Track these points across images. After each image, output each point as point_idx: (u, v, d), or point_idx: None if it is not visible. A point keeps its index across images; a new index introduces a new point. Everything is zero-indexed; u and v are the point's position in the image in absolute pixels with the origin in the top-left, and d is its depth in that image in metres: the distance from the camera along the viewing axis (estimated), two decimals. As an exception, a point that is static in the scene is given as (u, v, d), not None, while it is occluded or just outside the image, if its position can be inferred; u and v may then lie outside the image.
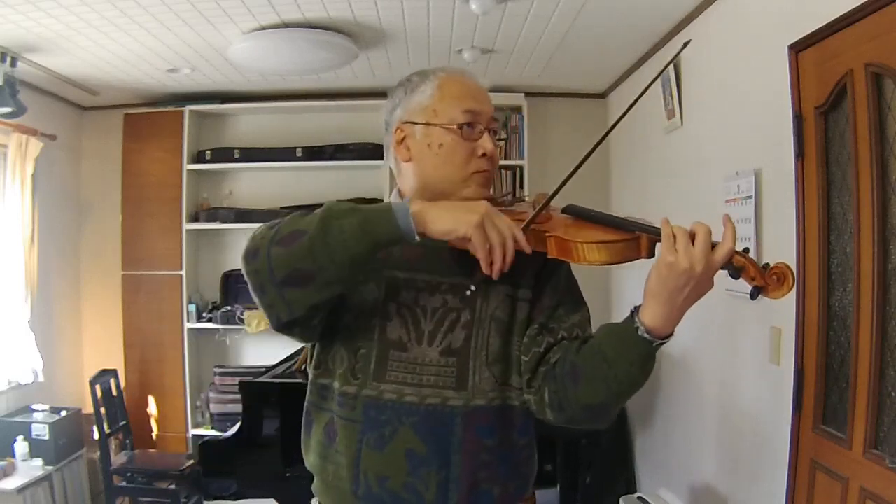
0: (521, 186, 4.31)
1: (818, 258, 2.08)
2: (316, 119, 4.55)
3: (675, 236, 1.05)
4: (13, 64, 3.38)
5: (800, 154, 2.16)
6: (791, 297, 2.18)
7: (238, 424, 3.55)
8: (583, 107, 4.56)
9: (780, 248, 2.28)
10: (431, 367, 1.21)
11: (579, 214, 1.23)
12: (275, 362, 3.68)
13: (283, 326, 1.18)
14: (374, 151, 4.33)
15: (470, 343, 1.22)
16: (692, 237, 1.05)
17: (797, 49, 2.15)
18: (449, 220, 1.09)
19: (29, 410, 3.77)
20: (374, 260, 1.14)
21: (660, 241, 1.09)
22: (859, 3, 1.82)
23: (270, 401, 3.39)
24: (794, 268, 2.15)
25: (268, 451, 3.31)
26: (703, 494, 2.98)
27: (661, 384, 3.52)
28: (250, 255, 1.13)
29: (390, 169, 4.16)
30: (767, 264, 1.07)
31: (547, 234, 1.18)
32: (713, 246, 1.06)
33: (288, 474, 3.19)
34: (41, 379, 3.88)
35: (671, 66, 3.20)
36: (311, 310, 1.15)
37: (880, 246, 1.82)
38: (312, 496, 1.32)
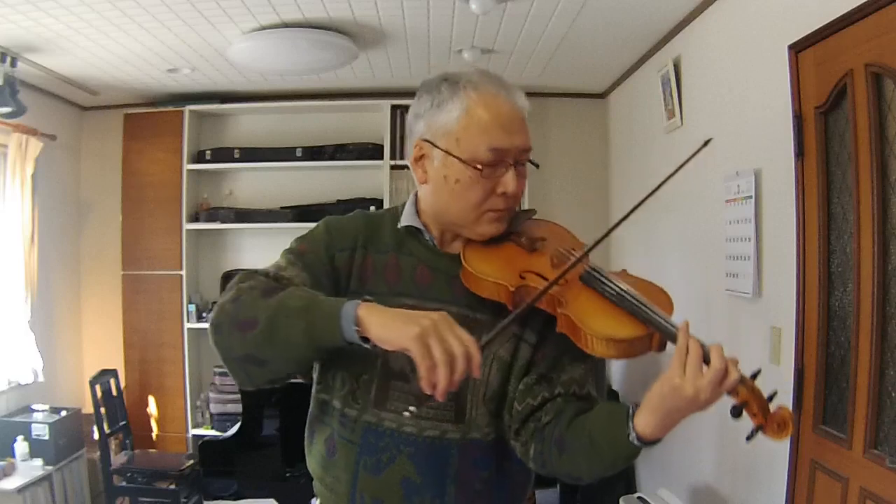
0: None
1: (818, 258, 2.08)
2: (316, 119, 4.55)
3: (687, 353, 1.01)
4: (13, 64, 3.38)
5: (800, 154, 2.16)
6: (791, 297, 2.19)
7: (238, 424, 3.55)
8: (583, 107, 4.56)
9: (780, 248, 2.28)
10: (432, 400, 1.14)
11: (598, 288, 1.15)
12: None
13: (254, 387, 1.20)
14: (374, 151, 4.33)
15: (469, 379, 1.17)
16: (705, 357, 1.01)
17: (797, 49, 2.15)
18: (391, 330, 1.00)
19: (29, 410, 3.77)
20: (329, 353, 1.12)
21: (672, 341, 1.05)
22: (859, 3, 1.82)
23: (270, 401, 3.39)
24: (794, 270, 2.16)
25: (268, 451, 3.31)
26: (703, 494, 2.98)
27: (661, 384, 3.52)
28: (214, 328, 1.13)
29: (390, 169, 4.16)
30: (774, 395, 1.04)
31: (559, 309, 1.12)
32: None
33: (288, 474, 3.19)
34: (41, 379, 3.88)
35: (671, 66, 3.20)
36: (273, 381, 1.16)
37: (880, 246, 1.82)
38: (312, 496, 1.33)
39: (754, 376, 1.04)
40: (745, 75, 2.56)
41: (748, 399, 1.02)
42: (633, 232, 3.96)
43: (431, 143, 1.20)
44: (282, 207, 4.41)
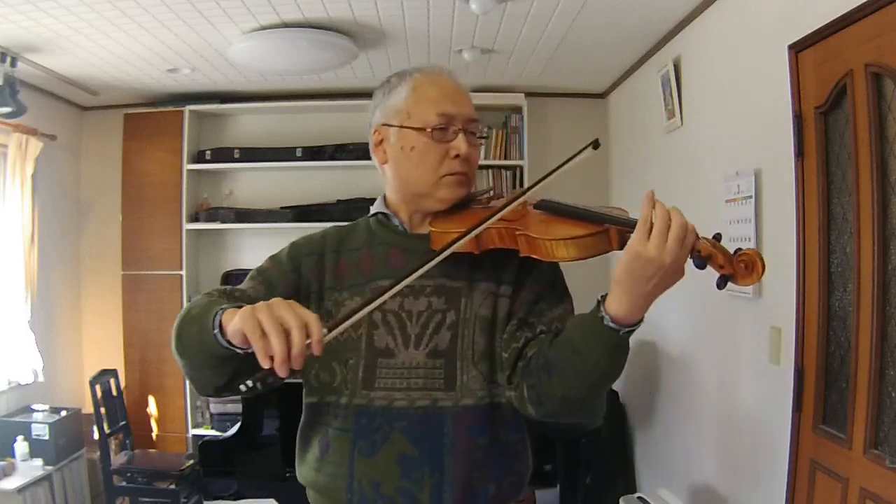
0: (522, 186, 4.31)
1: (818, 258, 2.08)
2: (316, 119, 4.55)
3: (651, 223, 1.01)
4: (13, 64, 3.38)
5: (800, 154, 2.16)
6: (791, 297, 2.19)
7: (238, 424, 3.55)
8: (583, 107, 4.56)
9: (780, 248, 2.28)
10: (419, 370, 1.21)
11: (552, 209, 1.22)
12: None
13: (208, 396, 1.23)
14: (374, 151, 4.32)
15: (456, 343, 1.22)
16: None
17: (797, 49, 2.15)
18: (233, 322, 0.98)
19: (29, 410, 3.78)
20: (231, 362, 1.06)
21: (631, 232, 1.05)
22: (859, 3, 1.83)
23: (270, 401, 3.39)
24: (794, 270, 2.16)
25: (268, 451, 3.31)
26: (703, 494, 2.98)
27: (661, 384, 3.52)
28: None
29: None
30: (739, 249, 1.03)
31: (517, 232, 1.17)
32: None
33: (288, 474, 3.19)
34: (41, 379, 3.88)
35: (671, 66, 3.20)
36: (219, 389, 1.15)
37: (880, 246, 1.82)
38: (312, 497, 1.33)
39: (717, 237, 1.05)
40: (745, 75, 2.56)
41: (712, 253, 1.02)
42: (633, 232, 3.95)
43: (387, 125, 1.29)
44: (282, 207, 4.41)
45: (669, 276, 1.02)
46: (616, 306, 1.05)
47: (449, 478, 1.19)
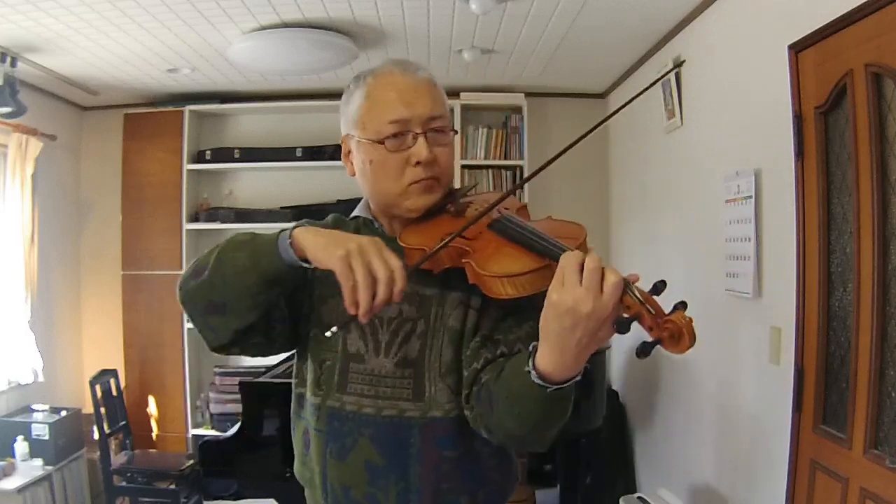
0: (522, 187, 4.31)
1: (818, 258, 2.08)
2: (316, 119, 4.55)
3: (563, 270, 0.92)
4: (13, 64, 3.38)
5: (800, 154, 2.16)
6: (791, 297, 2.19)
7: (238, 424, 3.55)
8: (583, 107, 4.56)
9: (780, 248, 2.28)
10: (388, 379, 1.19)
11: (504, 232, 1.13)
12: (275, 362, 3.69)
13: (218, 349, 1.23)
14: (374, 151, 4.32)
15: (425, 354, 1.19)
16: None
17: (797, 49, 2.16)
18: (320, 250, 1.03)
19: (29, 410, 3.78)
20: (278, 285, 1.11)
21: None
22: (859, 3, 1.83)
23: (270, 401, 3.38)
24: (794, 270, 2.16)
25: (268, 451, 3.31)
26: (703, 494, 2.98)
27: (661, 384, 3.52)
28: (178, 287, 1.18)
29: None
30: (677, 307, 0.89)
31: (464, 260, 1.10)
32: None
33: (288, 474, 3.18)
34: (41, 379, 3.88)
35: (671, 66, 3.20)
36: (238, 334, 1.17)
37: (880, 246, 1.82)
38: (311, 498, 1.34)
39: (656, 289, 0.91)
40: (745, 75, 2.56)
41: (640, 311, 0.89)
42: (633, 232, 3.95)
43: (349, 136, 1.27)
44: (282, 207, 4.41)
45: (594, 329, 0.90)
46: (543, 361, 0.96)
47: (415, 488, 1.17)
